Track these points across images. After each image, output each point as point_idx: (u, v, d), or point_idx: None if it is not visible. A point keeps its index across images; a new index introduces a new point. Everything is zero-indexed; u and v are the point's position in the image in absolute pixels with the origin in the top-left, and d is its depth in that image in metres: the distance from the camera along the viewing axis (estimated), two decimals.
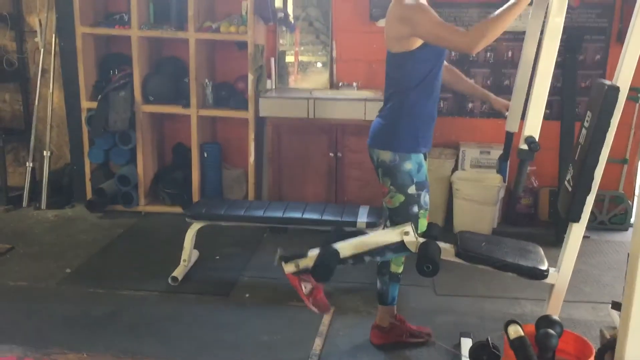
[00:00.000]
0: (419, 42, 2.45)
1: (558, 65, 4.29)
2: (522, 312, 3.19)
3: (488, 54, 4.37)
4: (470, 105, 4.49)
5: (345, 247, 2.41)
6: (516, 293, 3.38)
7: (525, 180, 2.23)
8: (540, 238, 2.69)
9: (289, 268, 2.44)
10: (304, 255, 2.43)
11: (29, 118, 4.83)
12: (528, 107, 2.10)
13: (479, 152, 4.31)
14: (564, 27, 4.33)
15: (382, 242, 2.41)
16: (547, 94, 2.08)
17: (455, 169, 4.38)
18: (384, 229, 2.91)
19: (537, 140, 2.06)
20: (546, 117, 4.35)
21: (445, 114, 4.49)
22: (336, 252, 2.38)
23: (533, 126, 2.06)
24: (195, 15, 4.24)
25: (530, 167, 4.43)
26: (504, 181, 4.32)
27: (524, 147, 2.06)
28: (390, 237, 2.42)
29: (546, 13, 2.17)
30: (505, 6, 2.24)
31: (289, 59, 4.64)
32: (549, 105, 4.45)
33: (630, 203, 4.47)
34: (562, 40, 4.19)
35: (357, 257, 2.42)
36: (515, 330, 2.08)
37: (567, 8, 4.22)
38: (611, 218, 4.44)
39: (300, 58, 4.63)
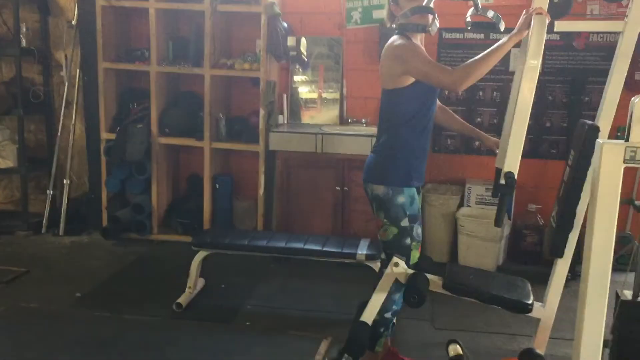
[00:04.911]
0: (410, 80, 2.56)
1: (564, 106, 4.41)
2: (518, 348, 3.16)
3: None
4: (477, 143, 4.56)
5: (367, 314, 2.49)
6: (515, 329, 3.39)
7: (504, 215, 2.30)
8: (546, 276, 2.68)
9: None
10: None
11: (52, 148, 5.04)
12: (508, 144, 2.18)
13: (485, 188, 4.36)
14: (569, 69, 4.40)
15: (383, 295, 2.49)
16: (525, 132, 2.15)
17: (461, 205, 4.43)
18: (380, 262, 2.96)
19: (515, 176, 2.13)
20: (552, 157, 4.49)
21: (452, 151, 4.58)
22: (364, 325, 2.47)
23: (512, 163, 2.14)
24: (211, 53, 4.42)
25: (535, 206, 4.49)
26: (509, 218, 4.35)
27: (503, 182, 2.14)
28: (384, 288, 2.49)
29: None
30: (490, 48, 2.35)
31: (302, 95, 4.79)
32: (555, 145, 4.54)
33: (637, 243, 4.44)
34: (567, 82, 4.35)
35: (383, 320, 2.55)
36: (454, 349, 2.15)
37: (573, 51, 4.30)
38: (618, 259, 4.41)
39: (305, 95, 4.79)
